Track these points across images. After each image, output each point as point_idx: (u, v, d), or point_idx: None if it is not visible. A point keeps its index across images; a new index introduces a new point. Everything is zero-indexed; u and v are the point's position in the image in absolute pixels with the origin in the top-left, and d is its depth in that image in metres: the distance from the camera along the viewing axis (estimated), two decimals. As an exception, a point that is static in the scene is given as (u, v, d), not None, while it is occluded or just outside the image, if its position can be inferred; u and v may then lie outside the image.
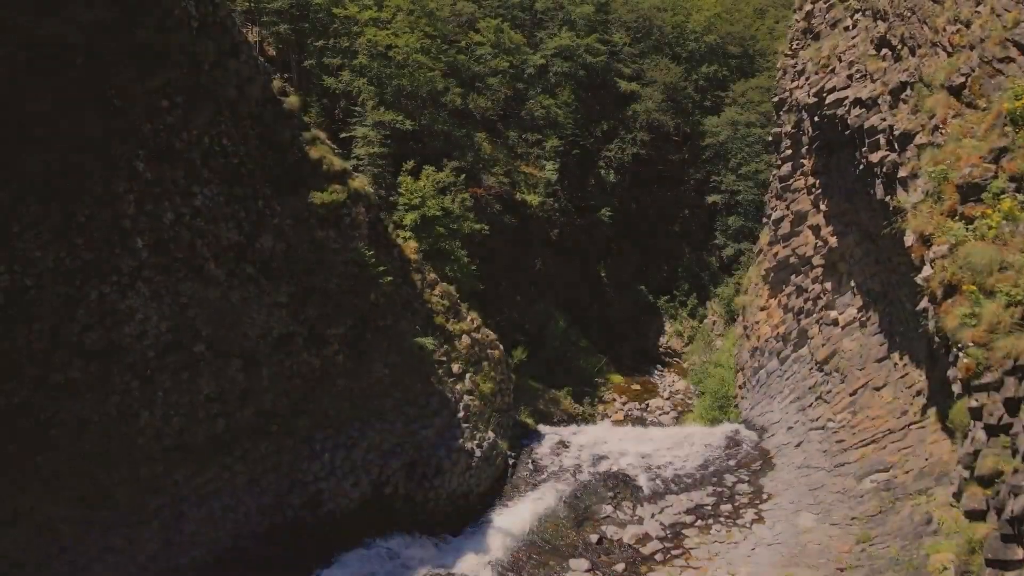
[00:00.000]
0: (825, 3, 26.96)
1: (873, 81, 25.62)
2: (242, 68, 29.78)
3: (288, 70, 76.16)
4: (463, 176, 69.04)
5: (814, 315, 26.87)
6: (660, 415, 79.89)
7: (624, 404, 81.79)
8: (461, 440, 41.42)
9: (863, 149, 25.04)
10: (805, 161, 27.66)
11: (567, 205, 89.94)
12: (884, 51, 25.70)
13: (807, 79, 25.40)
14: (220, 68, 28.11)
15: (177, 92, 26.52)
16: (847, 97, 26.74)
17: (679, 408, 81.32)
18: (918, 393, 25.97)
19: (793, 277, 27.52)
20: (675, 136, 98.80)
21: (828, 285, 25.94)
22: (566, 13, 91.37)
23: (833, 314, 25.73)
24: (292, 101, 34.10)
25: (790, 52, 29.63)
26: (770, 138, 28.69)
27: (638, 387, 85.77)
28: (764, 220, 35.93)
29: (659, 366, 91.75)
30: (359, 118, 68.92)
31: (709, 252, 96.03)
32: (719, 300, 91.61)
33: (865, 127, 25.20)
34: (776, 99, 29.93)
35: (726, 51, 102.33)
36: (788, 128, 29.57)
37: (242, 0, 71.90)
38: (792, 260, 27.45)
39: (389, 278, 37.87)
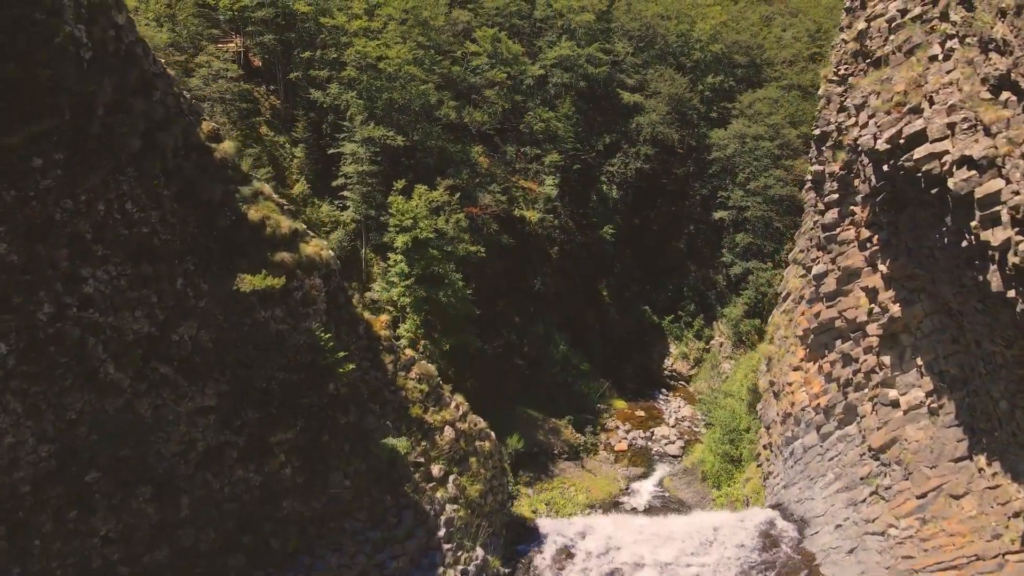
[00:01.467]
0: (888, 22, 22.18)
1: (990, 135, 19.77)
2: (154, 110, 22.78)
3: (274, 82, 72.46)
4: (458, 195, 65.28)
5: (866, 391, 22.81)
6: (666, 444, 75.92)
7: (628, 432, 77.77)
8: (442, 568, 32.71)
9: (972, 223, 19.55)
10: (857, 209, 23.47)
11: (567, 222, 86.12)
12: (1006, 95, 19.52)
13: (872, 117, 20.58)
14: (122, 112, 21.39)
15: (56, 146, 19.43)
16: (946, 152, 20.72)
17: (686, 437, 77.33)
18: (1016, 515, 21.17)
19: (839, 343, 23.50)
20: (680, 148, 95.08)
21: (886, 359, 21.84)
22: (566, 21, 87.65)
23: (892, 394, 21.62)
24: (226, 148, 26.76)
25: (836, 77, 25.05)
26: (808, 177, 23.80)
27: (642, 413, 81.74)
28: (790, 259, 32.23)
29: (664, 390, 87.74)
30: (347, 134, 65.21)
31: (716, 270, 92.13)
32: (726, 321, 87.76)
33: (977, 196, 19.54)
34: (818, 132, 24.85)
35: (732, 60, 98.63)
36: (834, 168, 24.52)
37: (225, 8, 68.23)
38: (839, 324, 23.38)
39: (351, 365, 29.87)
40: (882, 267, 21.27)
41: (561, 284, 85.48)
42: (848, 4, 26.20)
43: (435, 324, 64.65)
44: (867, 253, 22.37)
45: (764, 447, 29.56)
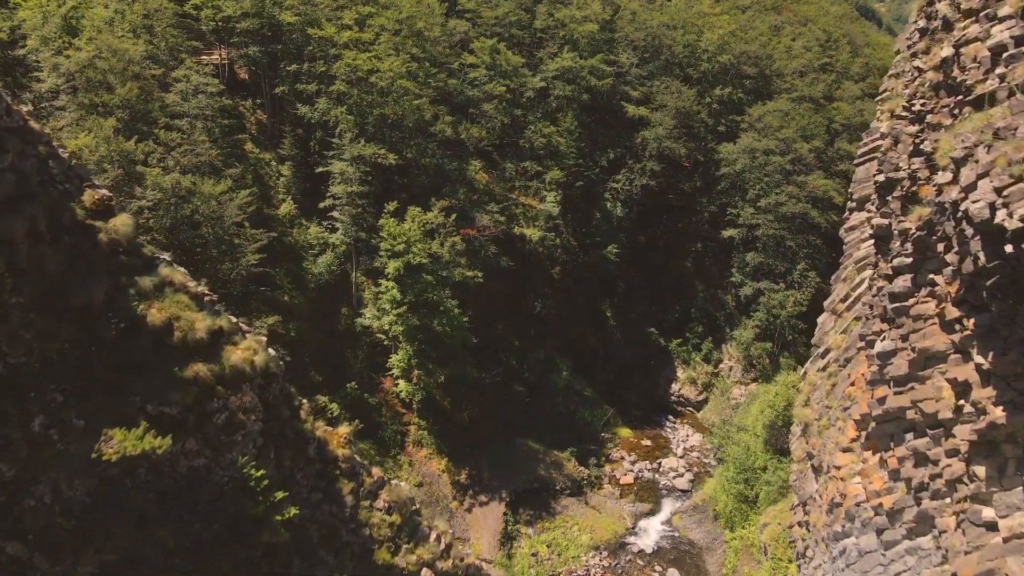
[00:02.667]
0: (993, 50, 17.14)
1: None
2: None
3: (260, 96, 68.75)
4: (454, 216, 61.51)
5: (948, 501, 19.03)
6: (674, 477, 71.79)
7: (634, 464, 73.65)
8: None
9: None
10: (940, 280, 19.37)
11: (570, 241, 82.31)
12: None
13: (984, 178, 15.89)
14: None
15: None
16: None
17: (695, 469, 73.22)
18: None
19: (910, 437, 19.64)
20: (686, 163, 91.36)
21: (980, 470, 17.84)
22: (568, 32, 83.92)
23: (987, 513, 17.69)
24: (117, 225, 19.42)
25: (909, 113, 20.57)
26: (870, 231, 19.50)
27: (648, 443, 77.62)
28: (826, 307, 28.45)
29: (671, 416, 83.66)
30: (336, 151, 61.46)
31: (725, 290, 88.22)
32: (736, 344, 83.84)
33: None
34: (883, 178, 19.75)
35: (741, 71, 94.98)
36: (908, 225, 19.45)
37: (208, 19, 64.62)
38: (911, 415, 19.48)
39: (295, 509, 21.75)
40: (980, 358, 17.22)
41: (563, 306, 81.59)
42: (919, 23, 21.97)
43: (429, 354, 60.78)
44: (956, 337, 18.38)
45: (799, 524, 25.83)
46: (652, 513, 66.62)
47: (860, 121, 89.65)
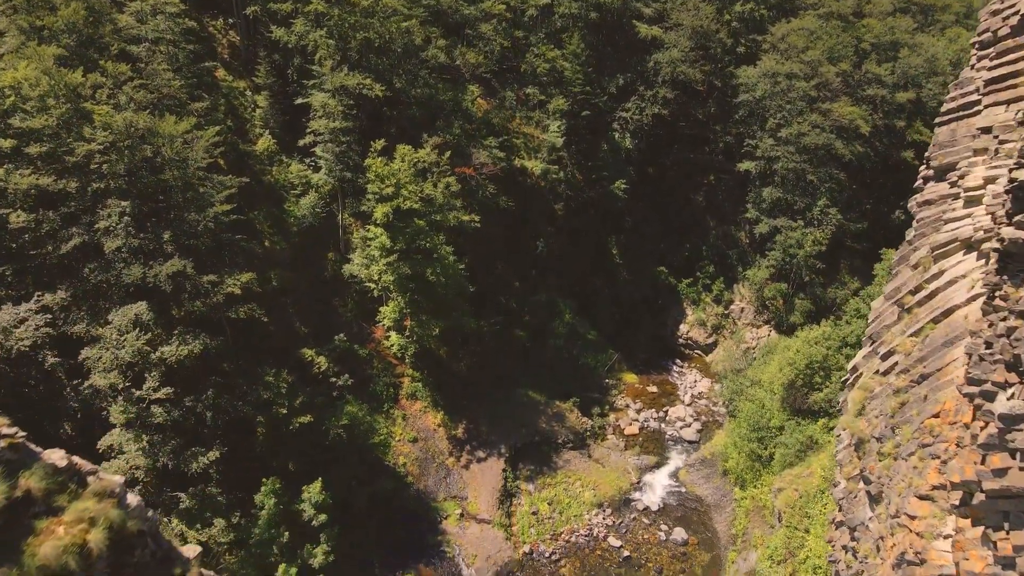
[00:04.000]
0: None
1: None
2: None
3: (233, 14, 61.78)
4: (448, 154, 55.88)
5: None
6: (681, 428, 68.76)
7: (639, 412, 70.53)
8: None
9: None
10: None
11: (574, 174, 76.50)
12: None
13: None
14: None
15: None
16: None
17: (703, 418, 70.08)
18: None
19: None
20: (701, 87, 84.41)
21: None
22: (575, -60, 75.46)
23: None
24: None
25: None
26: (996, 244, 14.67)
27: (655, 389, 74.32)
28: (886, 294, 23.77)
29: (678, 360, 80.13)
30: (316, 81, 55.25)
31: (739, 227, 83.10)
32: (749, 284, 79.38)
33: None
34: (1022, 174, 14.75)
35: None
36: None
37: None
38: None
39: None
40: None
41: (566, 246, 76.67)
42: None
43: (422, 305, 56.40)
44: None
45: (844, 548, 22.20)
46: (658, 466, 63.82)
47: (890, 40, 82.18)
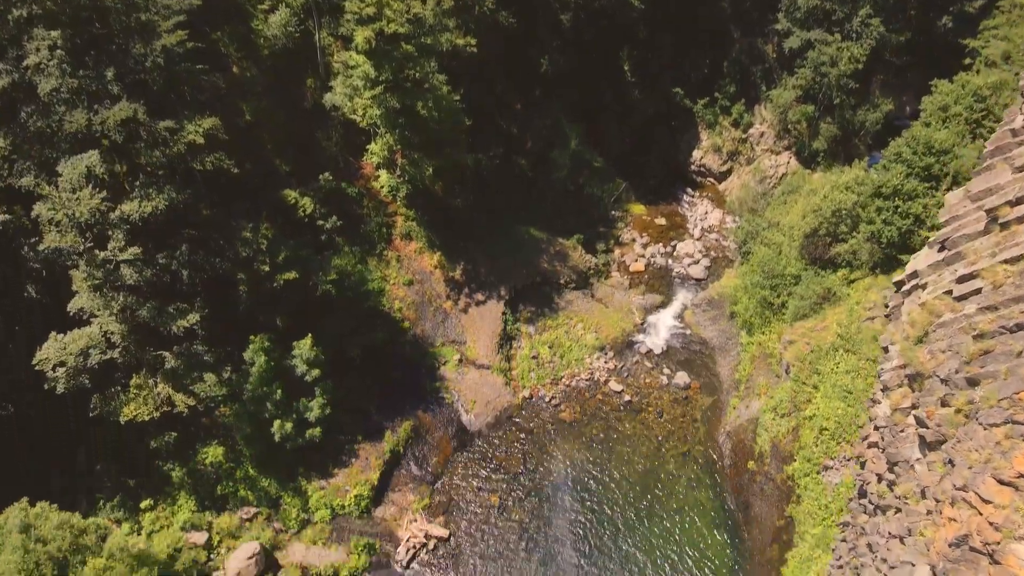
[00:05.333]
0: None
1: None
2: None
3: None
4: (438, -39, 47.42)
5: None
6: (689, 265, 65.97)
7: (645, 247, 67.42)
8: None
9: None
10: None
11: (585, -22, 66.69)
12: None
13: None
14: None
15: None
16: None
17: (712, 254, 67.06)
18: None
19: None
20: None
21: None
22: None
23: None
24: None
25: None
26: None
27: (663, 221, 70.62)
28: (984, 205, 19.44)
29: (689, 190, 75.50)
30: None
31: (767, 39, 74.30)
32: (772, 107, 72.47)
33: None
34: None
35: None
36: None
37: None
38: None
39: None
40: None
41: (573, 62, 68.85)
42: None
43: (414, 141, 51.01)
44: None
45: (878, 477, 19.65)
46: (663, 307, 61.87)
47: None
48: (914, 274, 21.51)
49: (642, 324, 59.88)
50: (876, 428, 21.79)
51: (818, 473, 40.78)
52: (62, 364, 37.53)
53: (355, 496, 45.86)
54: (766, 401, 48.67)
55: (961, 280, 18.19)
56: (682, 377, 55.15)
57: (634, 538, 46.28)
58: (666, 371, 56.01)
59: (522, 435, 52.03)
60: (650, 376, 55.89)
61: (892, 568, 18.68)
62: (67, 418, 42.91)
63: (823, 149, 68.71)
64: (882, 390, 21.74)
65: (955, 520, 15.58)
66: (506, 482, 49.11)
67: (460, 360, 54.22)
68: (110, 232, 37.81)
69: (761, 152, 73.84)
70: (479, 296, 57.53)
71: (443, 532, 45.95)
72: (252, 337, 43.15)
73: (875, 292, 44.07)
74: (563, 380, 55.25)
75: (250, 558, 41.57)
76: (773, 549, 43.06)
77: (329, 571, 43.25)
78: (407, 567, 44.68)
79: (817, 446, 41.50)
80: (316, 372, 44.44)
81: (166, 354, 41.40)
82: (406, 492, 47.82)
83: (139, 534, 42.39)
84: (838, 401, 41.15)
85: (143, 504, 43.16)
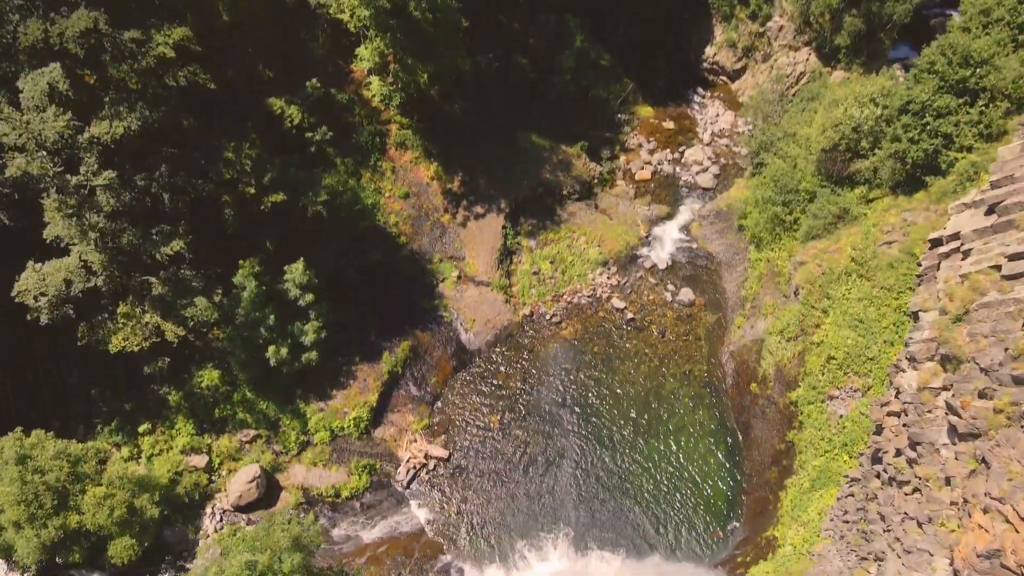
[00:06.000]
0: None
1: None
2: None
3: None
4: None
5: None
6: (698, 172, 63.10)
7: (652, 154, 64.29)
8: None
9: None
10: None
11: None
12: None
13: None
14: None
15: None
16: None
17: (722, 161, 63.99)
18: None
19: None
20: None
21: None
22: None
23: None
24: None
25: None
26: None
27: (671, 125, 67.03)
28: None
29: (700, 89, 71.17)
30: None
31: (793, -81, 67.66)
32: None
33: None
34: None
35: None
36: None
37: None
38: None
39: None
40: None
41: (580, -53, 63.16)
42: None
43: (407, 45, 47.10)
44: None
45: (895, 448, 18.46)
46: (668, 218, 59.57)
47: None
48: (955, 235, 19.48)
49: (647, 237, 57.91)
50: (898, 396, 20.49)
51: (823, 402, 40.14)
52: (43, 295, 36.05)
53: (354, 418, 45.62)
54: (772, 323, 47.54)
55: (1014, 257, 16.28)
56: (686, 294, 53.81)
57: (633, 455, 46.48)
58: (670, 287, 54.61)
59: (522, 353, 51.34)
60: (653, 292, 54.53)
61: (908, 552, 17.89)
62: (56, 344, 41.96)
63: (845, 45, 64.09)
64: (908, 359, 20.28)
65: (986, 530, 14.49)
66: (506, 401, 48.84)
67: (459, 277, 52.71)
68: (81, 155, 35.28)
69: (779, 48, 69.07)
70: (478, 209, 55.26)
71: (443, 452, 46.08)
72: (241, 262, 41.45)
73: (895, 214, 41.82)
74: (564, 296, 53.96)
75: (250, 482, 41.77)
76: (772, 472, 43.21)
77: (330, 492, 43.66)
78: (407, 487, 45.10)
79: (823, 375, 40.64)
80: (310, 297, 43.04)
81: (153, 280, 39.86)
82: (405, 413, 47.63)
83: (139, 459, 42.43)
84: (848, 330, 39.89)
85: (141, 428, 42.95)
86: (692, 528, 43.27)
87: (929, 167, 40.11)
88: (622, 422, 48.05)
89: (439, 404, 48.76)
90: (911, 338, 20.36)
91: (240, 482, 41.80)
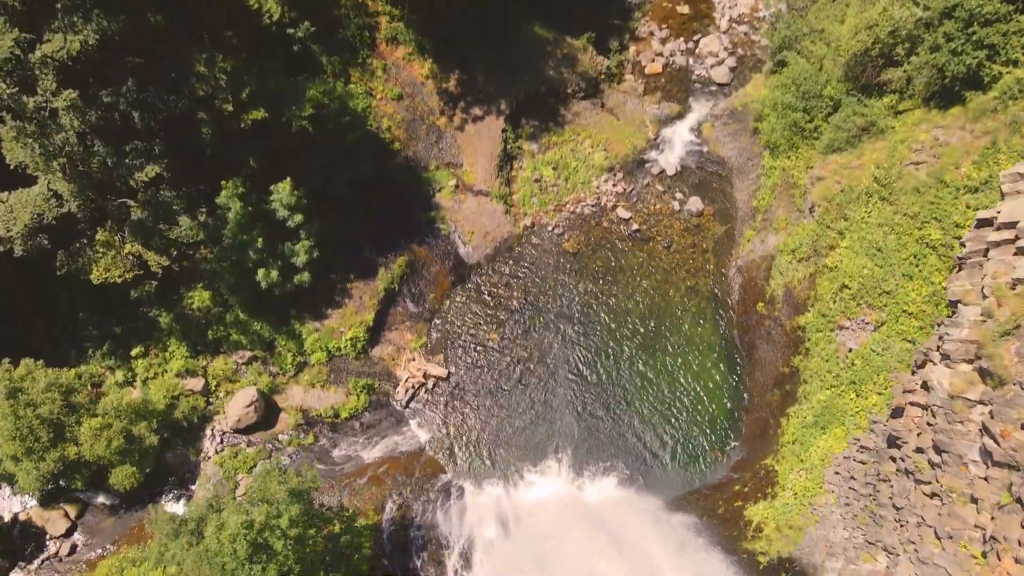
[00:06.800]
0: None
1: None
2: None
3: None
4: None
5: None
6: (712, 66, 58.54)
7: (664, 43, 59.42)
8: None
9: None
10: None
11: None
12: None
13: None
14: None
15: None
16: None
17: (740, 52, 59.10)
18: None
19: None
20: None
21: None
22: None
23: None
24: None
25: None
26: None
27: (686, 10, 61.53)
28: None
29: (720, -34, 64.78)
30: None
31: None
32: None
33: None
34: None
35: None
36: None
37: None
38: None
39: None
40: None
41: None
42: None
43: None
44: None
45: (915, 447, 17.05)
46: (679, 117, 55.88)
47: None
48: (1011, 224, 17.24)
49: (655, 139, 54.61)
50: (925, 388, 19.06)
51: (832, 331, 38.91)
52: (14, 226, 33.95)
53: (351, 337, 44.72)
54: (784, 239, 45.48)
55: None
56: (695, 203, 51.35)
57: (634, 371, 46.00)
58: (678, 196, 52.06)
59: (523, 267, 49.70)
60: (661, 201, 52.06)
61: (923, 564, 17.12)
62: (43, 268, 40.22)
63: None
64: (939, 351, 18.66)
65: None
66: (506, 317, 47.78)
67: (456, 186, 50.10)
68: (37, 74, 31.99)
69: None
70: (476, 111, 51.67)
71: (442, 371, 45.54)
72: (224, 182, 38.90)
73: (925, 130, 38.66)
74: (567, 206, 51.56)
75: (248, 406, 41.44)
76: (775, 394, 42.75)
77: (329, 413, 43.50)
78: (406, 406, 44.92)
79: (835, 303, 39.15)
80: (299, 218, 40.86)
81: (131, 203, 37.57)
82: (403, 331, 46.67)
83: (133, 383, 41.89)
84: (865, 258, 37.97)
85: (134, 352, 42.14)
86: (692, 446, 43.36)
87: (969, 81, 36.57)
88: (624, 338, 47.19)
89: (437, 321, 47.73)
90: (947, 333, 18.62)
91: (238, 406, 41.50)
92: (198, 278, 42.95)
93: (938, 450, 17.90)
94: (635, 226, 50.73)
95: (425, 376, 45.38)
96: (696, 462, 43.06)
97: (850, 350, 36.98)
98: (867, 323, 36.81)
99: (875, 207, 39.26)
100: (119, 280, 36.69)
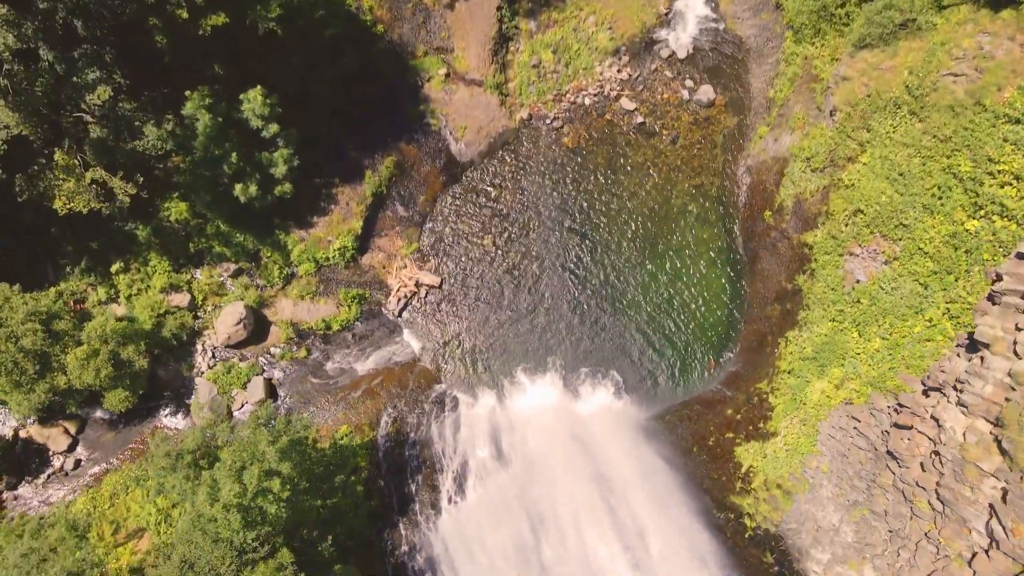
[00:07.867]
0: None
1: None
2: None
3: None
4: None
5: None
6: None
7: None
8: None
9: None
10: None
11: None
12: None
13: None
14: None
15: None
16: None
17: (769, -97, 51.55)
18: None
19: None
20: None
21: None
22: None
23: None
24: None
25: None
26: None
27: None
28: None
29: None
30: None
31: None
32: None
33: None
34: None
35: None
36: None
37: None
38: None
39: None
40: None
41: None
42: None
43: None
44: None
45: (933, 437, 15.74)
46: (695, -12, 49.98)
47: None
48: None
49: (667, 14, 49.26)
50: (936, 422, 17.82)
51: (840, 256, 37.10)
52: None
53: (339, 247, 42.99)
54: (800, 142, 42.23)
55: None
56: (706, 92, 47.28)
57: (634, 275, 44.74)
58: (688, 82, 47.83)
59: (519, 165, 46.76)
60: (669, 89, 47.91)
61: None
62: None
63: None
64: (957, 399, 17.13)
65: None
66: (501, 219, 45.66)
67: (447, 75, 45.84)
68: (-45, -13, 27.78)
69: None
70: (468, -15, 46.09)
71: (434, 279, 44.26)
72: (188, 92, 35.28)
73: (970, 35, 34.35)
74: (567, 95, 47.53)
75: (237, 324, 40.64)
76: (775, 308, 41.74)
77: (320, 325, 42.78)
78: (399, 316, 44.11)
79: (847, 226, 36.98)
80: (274, 128, 37.58)
81: (87, 118, 34.32)
82: (393, 237, 44.78)
83: (117, 300, 40.76)
84: (885, 182, 35.32)
85: (114, 267, 40.62)
86: (689, 352, 42.97)
87: (1029, -19, 31.93)
88: (625, 240, 45.41)
89: (429, 225, 45.68)
90: (967, 382, 17.05)
91: (227, 324, 40.69)
92: (173, 188, 40.44)
93: (942, 501, 17.18)
94: (640, 118, 47.08)
95: (417, 285, 44.18)
96: (690, 372, 42.90)
97: (857, 281, 35.44)
98: (879, 254, 34.97)
99: (903, 121, 35.89)
100: (85, 210, 34.37)
